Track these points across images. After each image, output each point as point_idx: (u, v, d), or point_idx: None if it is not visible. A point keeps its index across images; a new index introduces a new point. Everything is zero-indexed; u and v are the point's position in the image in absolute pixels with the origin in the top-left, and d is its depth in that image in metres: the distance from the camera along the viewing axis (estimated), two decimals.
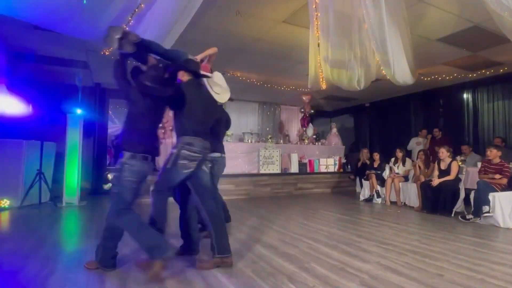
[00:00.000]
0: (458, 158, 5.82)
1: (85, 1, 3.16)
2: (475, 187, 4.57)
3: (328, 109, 11.27)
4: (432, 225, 4.27)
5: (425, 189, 5.17)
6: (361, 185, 6.99)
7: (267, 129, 10.33)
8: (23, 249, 3.07)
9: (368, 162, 7.23)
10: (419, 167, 5.80)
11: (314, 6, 3.48)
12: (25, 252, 2.96)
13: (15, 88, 5.48)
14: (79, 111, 6.01)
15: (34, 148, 5.61)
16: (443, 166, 5.17)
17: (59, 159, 6.08)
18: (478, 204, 4.37)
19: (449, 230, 3.96)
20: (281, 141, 8.66)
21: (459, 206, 4.96)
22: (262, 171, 7.43)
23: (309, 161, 8.19)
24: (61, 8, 3.40)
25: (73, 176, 5.86)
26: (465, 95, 7.74)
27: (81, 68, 6.46)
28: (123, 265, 2.62)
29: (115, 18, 3.62)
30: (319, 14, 3.54)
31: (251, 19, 4.45)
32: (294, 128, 10.81)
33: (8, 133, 5.40)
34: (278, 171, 7.66)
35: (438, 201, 4.98)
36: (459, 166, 5.15)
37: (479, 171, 4.79)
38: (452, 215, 4.81)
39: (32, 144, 5.61)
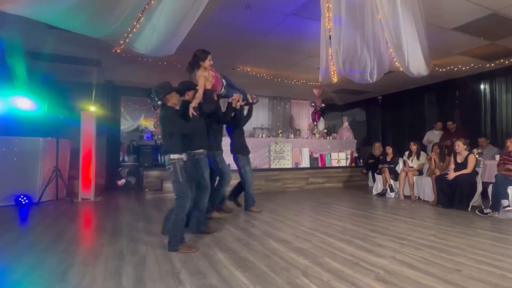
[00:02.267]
0: (475, 150, 5.66)
1: None
2: (493, 180, 4.44)
3: (339, 102, 11.13)
4: (448, 219, 4.18)
5: (441, 183, 5.06)
6: (374, 179, 6.90)
7: (278, 123, 10.28)
8: (42, 243, 3.16)
9: (380, 156, 7.12)
10: (434, 160, 5.67)
11: None
12: (45, 247, 3.05)
13: (31, 86, 5.62)
14: (92, 108, 6.11)
15: (50, 145, 5.75)
16: (459, 159, 5.04)
17: (74, 155, 6.22)
18: (496, 198, 4.25)
19: (467, 224, 3.87)
20: (292, 136, 8.61)
21: (476, 200, 4.84)
22: (273, 166, 7.42)
23: (321, 155, 8.12)
24: (72, 7, 3.43)
25: (88, 172, 5.99)
26: (482, 86, 7.49)
27: (93, 66, 6.56)
28: (139, 259, 2.67)
29: (126, 16, 3.64)
30: (330, 6, 3.46)
31: (261, 13, 4.40)
32: (305, 122, 10.72)
33: (26, 130, 5.54)
34: (290, 166, 7.63)
35: (454, 195, 4.86)
36: (476, 159, 5.02)
37: (498, 164, 4.65)
38: (469, 209, 4.70)
39: (49, 141, 5.75)
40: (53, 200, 5.74)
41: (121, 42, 4.59)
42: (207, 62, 3.68)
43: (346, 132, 9.22)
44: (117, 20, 3.77)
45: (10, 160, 5.31)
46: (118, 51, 5.03)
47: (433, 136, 7.52)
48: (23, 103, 5.48)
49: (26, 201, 5.28)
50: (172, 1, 3.35)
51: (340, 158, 8.26)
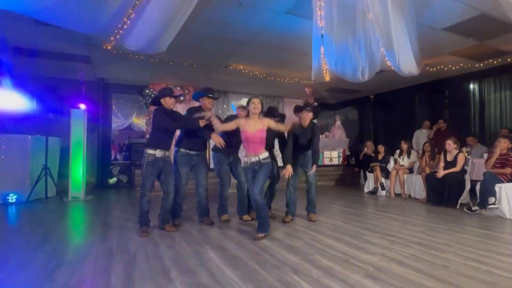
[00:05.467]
0: (464, 149, 5.75)
1: None
2: (481, 178, 4.53)
3: (332, 101, 11.18)
4: (437, 217, 4.25)
5: (430, 180, 5.14)
6: (365, 178, 6.97)
7: None
8: (30, 242, 3.11)
9: (372, 154, 7.19)
10: (425, 159, 5.75)
11: None
12: (33, 245, 3.00)
13: (19, 83, 5.51)
14: (82, 106, 6.03)
15: (39, 143, 5.65)
16: (449, 158, 5.12)
17: (64, 153, 6.13)
18: (484, 195, 4.33)
19: (455, 221, 3.93)
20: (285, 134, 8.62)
21: (465, 197, 4.93)
22: None
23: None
24: (61, 1, 3.38)
25: (78, 170, 5.91)
26: (471, 86, 7.61)
27: (84, 63, 6.46)
28: (129, 257, 2.65)
29: (115, 11, 3.60)
30: (322, 4, 3.47)
31: (253, 10, 4.39)
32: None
33: (14, 128, 5.44)
34: (281, 164, 7.62)
35: (444, 193, 4.94)
36: (465, 157, 5.10)
37: (486, 160, 4.73)
38: (458, 207, 4.78)
39: (38, 139, 5.65)
40: (42, 198, 5.65)
41: (111, 38, 4.53)
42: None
43: (338, 131, 9.29)
44: (107, 15, 3.72)
45: None
46: (109, 47, 4.97)
47: (421, 135, 7.62)
48: (11, 100, 5.38)
49: (15, 199, 5.18)
50: None
51: (332, 157, 8.32)
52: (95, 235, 3.44)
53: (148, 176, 3.43)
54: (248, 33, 5.21)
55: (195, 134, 3.74)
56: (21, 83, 5.58)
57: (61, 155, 6.30)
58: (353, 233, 3.43)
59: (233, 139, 4.01)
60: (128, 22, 3.85)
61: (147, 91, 7.98)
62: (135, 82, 8.04)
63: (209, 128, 3.68)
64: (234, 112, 5.17)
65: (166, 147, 3.54)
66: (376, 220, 4.05)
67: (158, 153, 3.44)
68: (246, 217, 4.10)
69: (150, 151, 3.43)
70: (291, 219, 4.05)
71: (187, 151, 3.78)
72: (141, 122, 11.29)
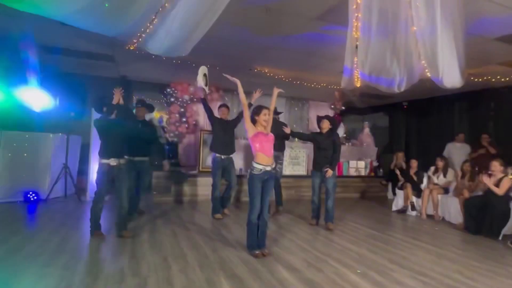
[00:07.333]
0: (510, 171, 5.15)
1: (107, 5, 3.00)
2: None
3: (360, 105, 10.61)
4: (476, 250, 3.81)
5: (469, 206, 4.65)
6: (394, 192, 6.50)
7: (294, 126, 9.92)
8: (44, 253, 3.10)
9: (403, 168, 6.68)
10: (465, 178, 5.24)
11: (354, 7, 3.06)
12: (46, 258, 2.98)
13: (43, 81, 5.56)
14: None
15: (60, 142, 5.70)
16: (492, 181, 4.59)
17: (85, 152, 6.15)
18: None
19: (497, 259, 3.49)
20: (309, 142, 8.26)
21: (509, 228, 4.41)
22: (286, 173, 7.11)
23: (338, 163, 7.75)
24: (85, 7, 3.28)
25: None
26: None
27: (107, 61, 6.44)
28: (140, 281, 2.51)
29: (139, 17, 3.46)
30: (360, 15, 3.12)
31: (282, 16, 4.10)
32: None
33: (36, 126, 5.51)
34: (304, 173, 7.32)
35: (484, 220, 4.45)
36: (511, 183, 4.55)
37: None
38: (500, 238, 4.29)
39: (59, 138, 5.70)
40: (61, 197, 5.71)
41: (134, 41, 4.43)
42: None
43: (366, 139, 8.77)
44: (130, 20, 3.59)
45: (20, 156, 5.30)
46: (132, 48, 4.88)
47: (454, 148, 6.98)
48: (36, 98, 5.44)
49: (35, 197, 5.26)
50: (187, 6, 3.11)
51: (359, 167, 7.83)
52: (108, 249, 3.36)
53: (103, 183, 3.61)
54: (275, 38, 4.92)
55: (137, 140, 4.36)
56: (45, 81, 5.62)
57: (81, 153, 6.35)
58: (379, 266, 3.11)
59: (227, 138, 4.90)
60: (151, 27, 3.70)
61: (168, 90, 7.95)
62: (156, 80, 8.01)
63: None
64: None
65: (121, 155, 3.70)
66: (406, 251, 3.68)
67: (112, 161, 3.57)
68: (218, 215, 4.83)
69: (104, 161, 3.57)
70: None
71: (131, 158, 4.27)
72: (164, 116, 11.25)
